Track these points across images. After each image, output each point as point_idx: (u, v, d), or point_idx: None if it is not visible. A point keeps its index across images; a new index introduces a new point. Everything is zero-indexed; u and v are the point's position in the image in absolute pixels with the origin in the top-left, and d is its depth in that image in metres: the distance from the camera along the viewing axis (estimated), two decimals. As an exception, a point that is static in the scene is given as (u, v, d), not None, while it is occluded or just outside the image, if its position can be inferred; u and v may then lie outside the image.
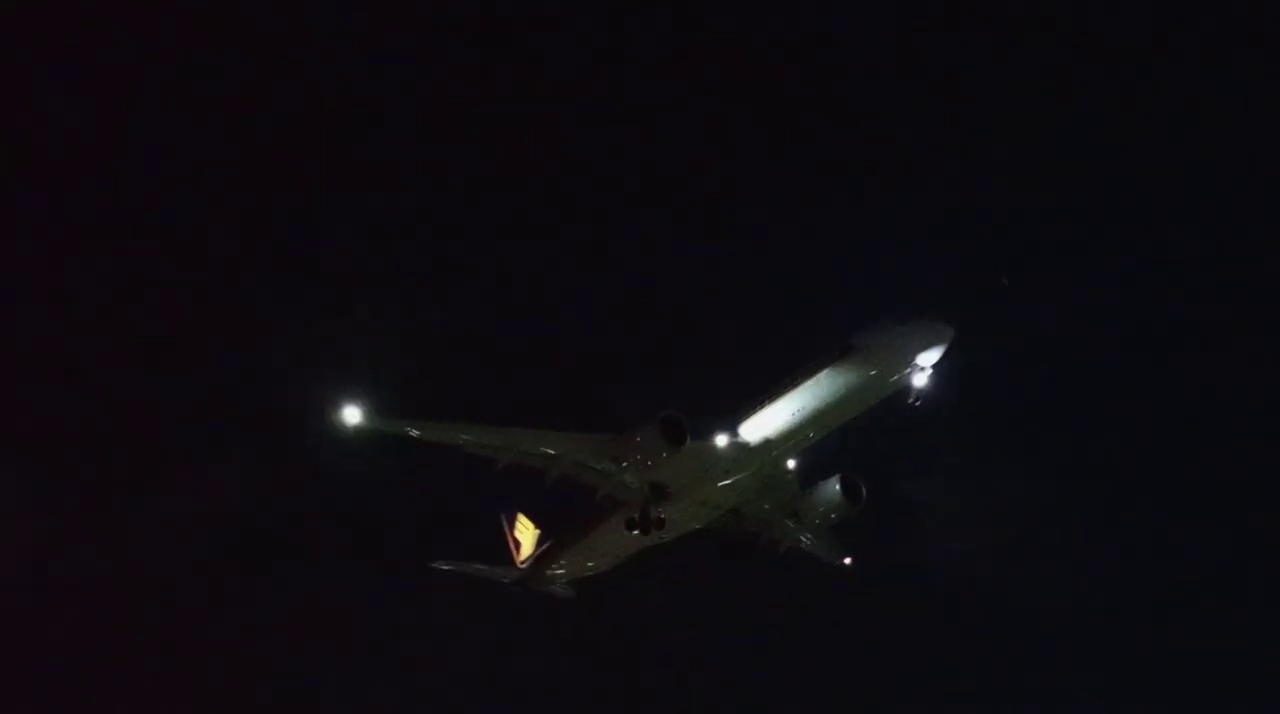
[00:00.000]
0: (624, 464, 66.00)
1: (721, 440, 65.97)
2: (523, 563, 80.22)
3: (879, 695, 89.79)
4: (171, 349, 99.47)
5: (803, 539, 72.85)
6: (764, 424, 65.57)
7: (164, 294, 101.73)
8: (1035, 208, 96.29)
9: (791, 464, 69.34)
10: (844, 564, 74.86)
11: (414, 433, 65.80)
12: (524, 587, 79.40)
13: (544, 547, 78.26)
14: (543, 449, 66.75)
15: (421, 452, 68.20)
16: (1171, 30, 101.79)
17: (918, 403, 63.14)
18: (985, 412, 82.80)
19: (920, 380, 61.75)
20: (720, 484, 67.63)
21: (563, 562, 75.34)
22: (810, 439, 65.67)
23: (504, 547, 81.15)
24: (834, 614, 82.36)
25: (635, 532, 69.09)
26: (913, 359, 60.95)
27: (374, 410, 64.02)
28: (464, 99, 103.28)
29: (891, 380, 61.38)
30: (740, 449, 65.94)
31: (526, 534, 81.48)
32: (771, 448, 65.76)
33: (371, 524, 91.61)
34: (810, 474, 70.88)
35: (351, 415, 63.38)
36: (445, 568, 79.95)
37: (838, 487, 69.86)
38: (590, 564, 74.81)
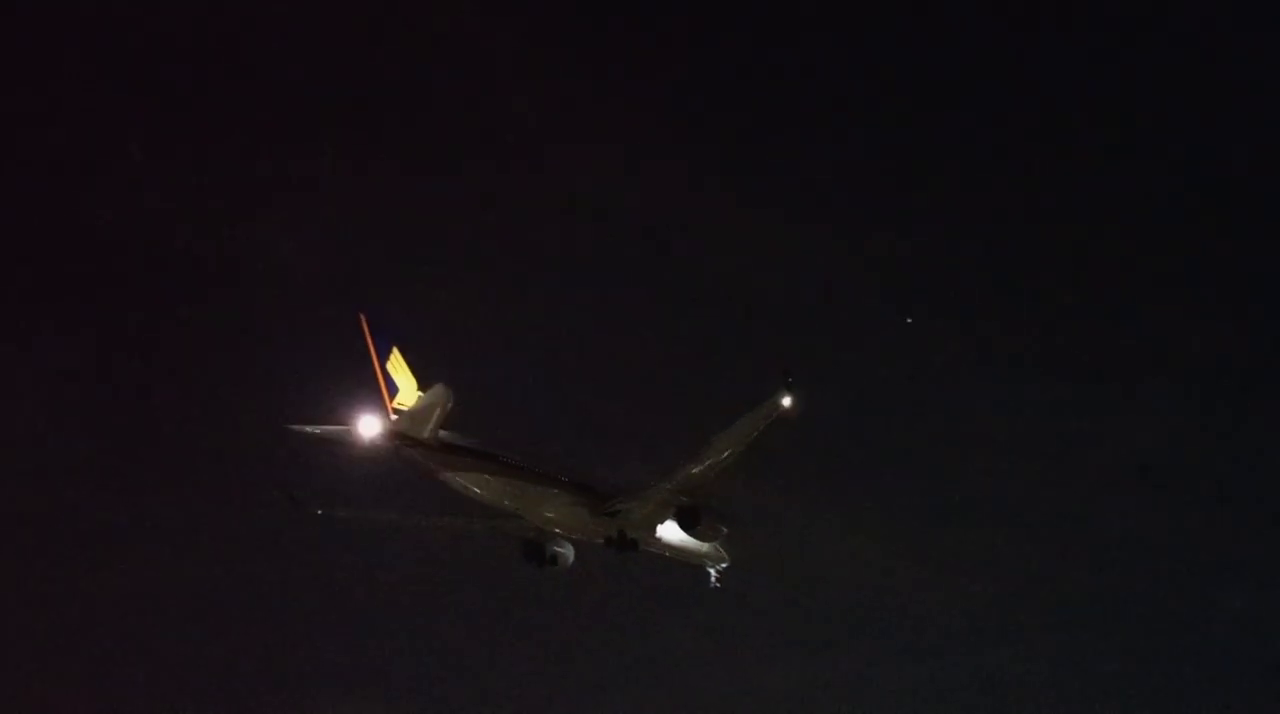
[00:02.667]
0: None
1: None
2: (396, 410, 62.19)
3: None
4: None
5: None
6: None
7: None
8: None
9: None
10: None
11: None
12: (400, 448, 66.33)
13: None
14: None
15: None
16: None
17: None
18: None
19: None
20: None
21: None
22: None
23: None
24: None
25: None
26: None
27: None
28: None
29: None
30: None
31: (404, 378, 62.67)
32: None
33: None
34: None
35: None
36: (305, 430, 60.78)
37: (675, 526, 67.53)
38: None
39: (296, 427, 60.07)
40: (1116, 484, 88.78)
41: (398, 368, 61.49)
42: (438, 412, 59.56)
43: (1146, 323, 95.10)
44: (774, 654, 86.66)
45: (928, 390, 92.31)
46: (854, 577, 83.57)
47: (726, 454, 61.43)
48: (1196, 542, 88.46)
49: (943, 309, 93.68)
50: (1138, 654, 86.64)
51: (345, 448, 60.72)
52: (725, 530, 68.07)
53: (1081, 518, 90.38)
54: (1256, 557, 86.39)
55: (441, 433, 60.95)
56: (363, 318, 61.59)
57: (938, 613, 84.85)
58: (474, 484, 63.24)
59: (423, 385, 61.64)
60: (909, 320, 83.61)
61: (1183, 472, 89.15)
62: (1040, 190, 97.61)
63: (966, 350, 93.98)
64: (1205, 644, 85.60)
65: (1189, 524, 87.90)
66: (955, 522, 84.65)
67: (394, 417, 61.63)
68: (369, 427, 59.74)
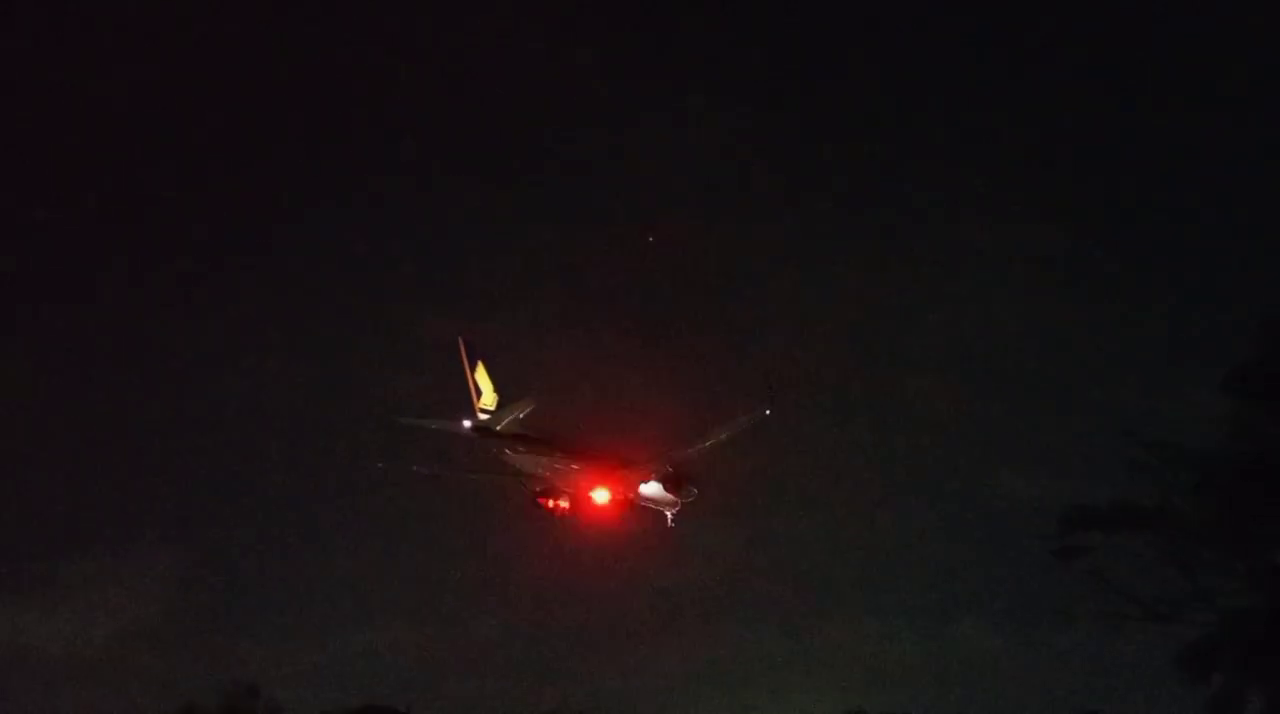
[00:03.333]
0: None
1: None
2: (483, 410, 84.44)
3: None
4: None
5: None
6: None
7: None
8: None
9: None
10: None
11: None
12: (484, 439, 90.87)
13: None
14: None
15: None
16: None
17: None
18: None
19: None
20: None
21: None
22: None
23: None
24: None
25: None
26: None
27: None
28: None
29: None
30: None
31: (485, 383, 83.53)
32: None
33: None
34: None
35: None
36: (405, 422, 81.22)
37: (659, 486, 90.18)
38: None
39: (408, 420, 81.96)
40: (922, 368, 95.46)
41: (482, 377, 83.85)
42: (515, 415, 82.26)
43: (965, 226, 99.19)
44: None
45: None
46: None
47: (711, 442, 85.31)
48: (986, 426, 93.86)
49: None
50: (914, 527, 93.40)
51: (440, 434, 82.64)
52: (696, 491, 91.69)
53: (886, 395, 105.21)
54: (1036, 444, 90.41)
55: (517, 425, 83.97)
56: (461, 342, 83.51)
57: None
58: (524, 462, 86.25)
59: (499, 390, 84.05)
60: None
61: (986, 360, 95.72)
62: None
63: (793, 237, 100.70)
64: (982, 522, 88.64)
65: (980, 409, 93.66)
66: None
67: (480, 415, 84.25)
68: (461, 423, 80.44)
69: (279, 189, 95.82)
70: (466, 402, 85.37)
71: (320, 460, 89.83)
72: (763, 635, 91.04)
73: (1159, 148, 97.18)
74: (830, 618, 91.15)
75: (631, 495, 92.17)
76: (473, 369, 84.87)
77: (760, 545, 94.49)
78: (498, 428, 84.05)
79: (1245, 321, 46.88)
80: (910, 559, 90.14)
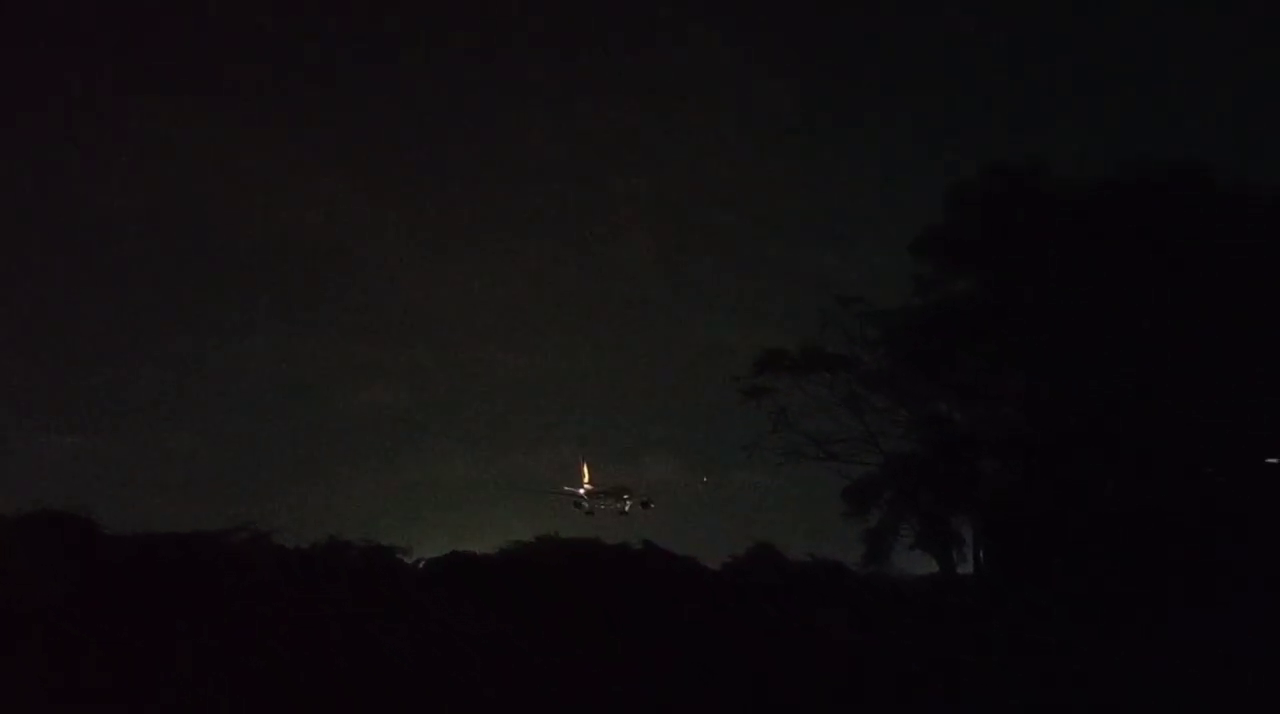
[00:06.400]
0: None
1: None
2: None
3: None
4: None
5: None
6: None
7: None
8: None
9: None
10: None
11: None
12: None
13: None
14: None
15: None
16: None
17: None
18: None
19: None
20: None
21: None
22: None
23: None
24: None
25: None
26: None
27: None
28: None
29: None
30: None
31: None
32: None
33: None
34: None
35: None
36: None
37: None
38: None
39: None
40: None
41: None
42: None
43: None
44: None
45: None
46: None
47: None
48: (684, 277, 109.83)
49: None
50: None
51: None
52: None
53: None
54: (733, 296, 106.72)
55: None
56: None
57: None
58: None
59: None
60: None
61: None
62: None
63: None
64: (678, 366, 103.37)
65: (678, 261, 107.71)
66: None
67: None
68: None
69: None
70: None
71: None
72: (466, 463, 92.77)
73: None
74: (530, 448, 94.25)
75: None
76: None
77: (470, 374, 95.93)
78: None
79: (934, 189, 50.43)
80: (604, 397, 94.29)
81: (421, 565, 34.53)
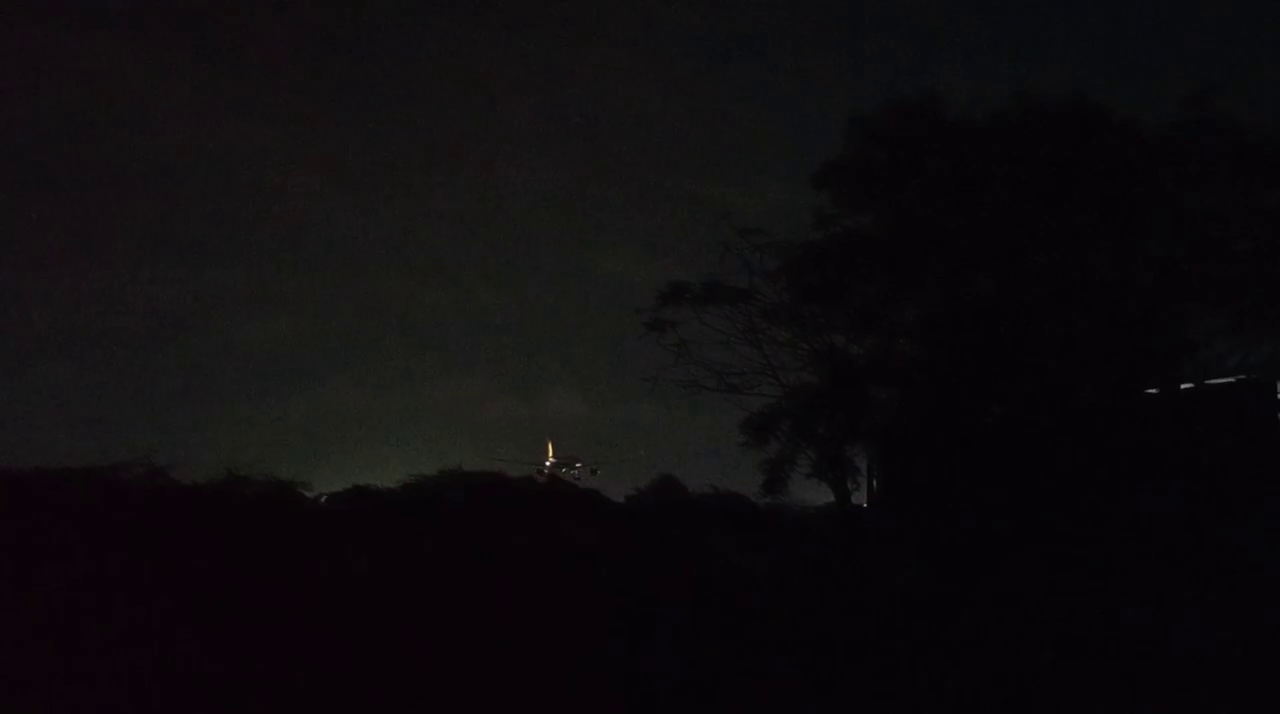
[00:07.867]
0: None
1: None
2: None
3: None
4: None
5: None
6: None
7: None
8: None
9: None
10: None
11: None
12: None
13: None
14: None
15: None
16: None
17: None
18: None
19: None
20: None
21: None
22: None
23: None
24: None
25: None
26: None
27: None
28: None
29: None
30: None
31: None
32: None
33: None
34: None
35: None
36: None
37: None
38: None
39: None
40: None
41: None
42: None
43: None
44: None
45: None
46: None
47: None
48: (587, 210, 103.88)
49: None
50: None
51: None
52: None
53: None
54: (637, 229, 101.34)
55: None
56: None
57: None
58: None
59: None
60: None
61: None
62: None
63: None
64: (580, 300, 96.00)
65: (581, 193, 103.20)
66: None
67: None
68: None
69: None
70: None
71: None
72: (365, 396, 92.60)
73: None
74: (436, 380, 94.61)
75: None
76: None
77: (369, 307, 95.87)
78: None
79: (835, 124, 50.90)
80: (508, 332, 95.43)
81: (323, 500, 34.91)
